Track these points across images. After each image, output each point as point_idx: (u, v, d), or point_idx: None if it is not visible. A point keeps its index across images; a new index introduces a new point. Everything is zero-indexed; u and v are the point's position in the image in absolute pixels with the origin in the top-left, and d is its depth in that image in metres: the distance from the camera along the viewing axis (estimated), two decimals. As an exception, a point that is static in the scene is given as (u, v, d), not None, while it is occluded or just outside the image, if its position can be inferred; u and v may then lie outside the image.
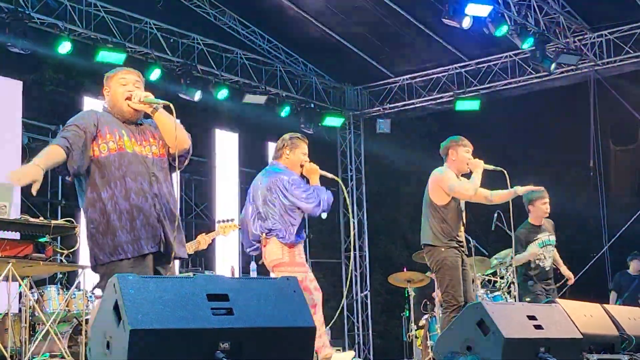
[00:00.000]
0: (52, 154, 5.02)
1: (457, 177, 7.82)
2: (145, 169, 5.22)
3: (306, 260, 7.78)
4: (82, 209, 5.24)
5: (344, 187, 7.67)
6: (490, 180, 7.99)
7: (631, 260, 13.22)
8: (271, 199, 7.19)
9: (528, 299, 9.40)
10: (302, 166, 7.32)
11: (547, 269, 9.71)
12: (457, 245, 7.66)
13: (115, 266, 5.04)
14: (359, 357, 15.73)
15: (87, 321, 8.70)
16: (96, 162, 5.16)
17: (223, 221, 8.82)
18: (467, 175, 7.89)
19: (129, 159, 5.19)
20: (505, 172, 7.79)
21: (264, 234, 7.23)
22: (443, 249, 7.62)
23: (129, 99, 5.28)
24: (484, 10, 12.28)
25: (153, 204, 5.19)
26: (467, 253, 7.87)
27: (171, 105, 5.31)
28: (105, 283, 5.04)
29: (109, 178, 5.13)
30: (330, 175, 7.47)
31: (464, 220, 7.85)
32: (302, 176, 7.37)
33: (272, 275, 7.21)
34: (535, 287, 9.69)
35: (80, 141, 5.13)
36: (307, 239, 15.44)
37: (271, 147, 16.27)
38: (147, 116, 5.40)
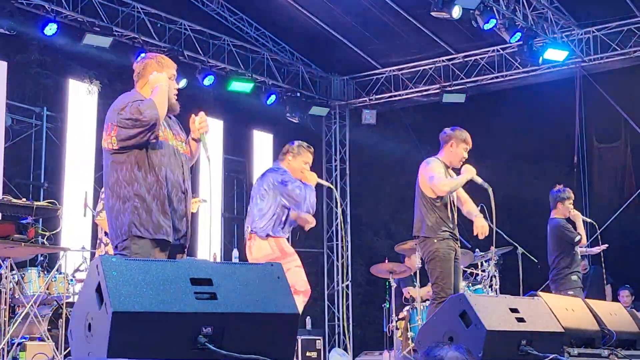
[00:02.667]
0: None
1: (448, 168, 7.78)
2: (180, 163, 5.38)
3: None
4: (119, 180, 5.22)
5: (338, 196, 7.98)
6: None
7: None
8: (260, 195, 7.45)
9: (571, 293, 9.55)
10: (302, 173, 7.57)
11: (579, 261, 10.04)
12: (450, 237, 7.59)
13: (145, 244, 5.12)
14: (339, 347, 15.73)
15: (67, 304, 8.67)
16: (146, 145, 5.22)
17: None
18: (456, 170, 7.87)
19: (169, 150, 5.31)
20: (490, 190, 7.74)
21: (248, 230, 7.47)
22: (436, 241, 7.53)
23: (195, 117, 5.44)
24: (472, 3, 12.28)
25: (183, 198, 5.34)
26: (460, 245, 7.82)
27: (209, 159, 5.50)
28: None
29: (153, 163, 5.21)
30: (326, 184, 7.98)
31: (455, 214, 7.80)
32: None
33: None
34: (578, 282, 9.92)
35: None
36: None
37: (256, 135, 16.31)
38: None
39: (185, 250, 5.40)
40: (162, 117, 5.21)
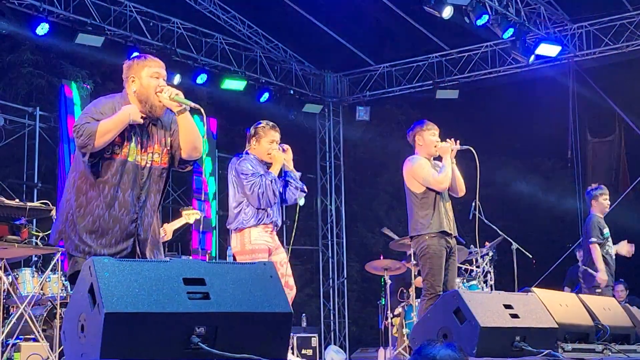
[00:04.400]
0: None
1: (430, 161, 7.75)
2: (138, 181, 5.10)
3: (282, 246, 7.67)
4: (71, 187, 5.10)
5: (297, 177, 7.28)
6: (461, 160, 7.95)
7: (578, 251, 13.35)
8: (231, 185, 7.16)
9: (598, 291, 9.60)
10: (269, 155, 7.16)
11: (613, 257, 10.01)
12: (442, 234, 7.55)
13: (77, 262, 4.97)
14: (334, 344, 15.73)
15: (61, 305, 8.66)
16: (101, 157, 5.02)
17: (187, 207, 8.88)
18: (438, 158, 7.85)
19: (127, 168, 5.06)
20: (472, 149, 7.72)
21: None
22: (427, 237, 7.49)
23: (159, 92, 5.13)
24: (464, 0, 12.27)
25: (135, 218, 5.09)
26: (455, 241, 7.75)
27: (202, 110, 5.25)
28: (71, 273, 5.03)
29: (103, 180, 5.03)
30: (291, 168, 7.22)
31: (447, 209, 7.74)
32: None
33: None
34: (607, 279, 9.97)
35: None
36: (284, 225, 15.35)
37: (250, 132, 16.27)
38: None
39: None
40: (102, 143, 4.92)
